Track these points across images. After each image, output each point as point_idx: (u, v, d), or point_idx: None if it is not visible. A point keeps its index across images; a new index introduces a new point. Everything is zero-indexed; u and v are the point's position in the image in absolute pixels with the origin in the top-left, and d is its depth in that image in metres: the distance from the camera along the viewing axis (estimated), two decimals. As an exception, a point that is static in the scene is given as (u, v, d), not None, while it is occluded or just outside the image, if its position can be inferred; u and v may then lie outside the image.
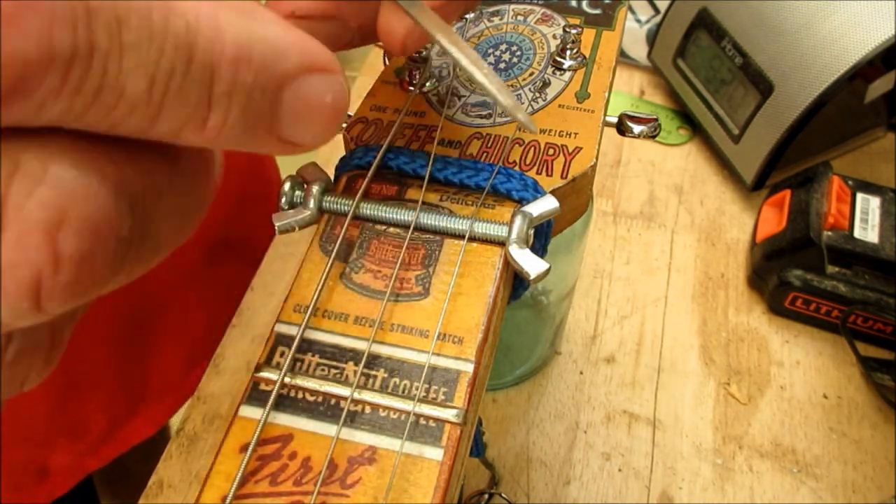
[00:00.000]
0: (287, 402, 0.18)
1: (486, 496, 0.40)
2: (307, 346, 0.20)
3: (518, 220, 0.21)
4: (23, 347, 0.14)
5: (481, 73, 0.19)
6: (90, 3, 0.11)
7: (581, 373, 0.47)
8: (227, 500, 0.17)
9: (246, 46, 0.13)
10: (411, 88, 0.27)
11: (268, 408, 0.18)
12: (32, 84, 0.11)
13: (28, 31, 0.10)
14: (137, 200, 0.13)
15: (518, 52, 0.28)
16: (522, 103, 0.26)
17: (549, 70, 0.28)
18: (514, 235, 0.21)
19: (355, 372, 0.19)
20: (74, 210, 0.12)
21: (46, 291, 0.12)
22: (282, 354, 0.19)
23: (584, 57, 0.28)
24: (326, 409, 0.18)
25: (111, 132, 0.12)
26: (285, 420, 0.18)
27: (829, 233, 0.48)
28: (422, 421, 0.18)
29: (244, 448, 0.18)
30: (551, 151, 0.24)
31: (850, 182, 0.51)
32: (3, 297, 0.12)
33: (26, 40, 0.10)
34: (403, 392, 0.19)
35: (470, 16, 0.31)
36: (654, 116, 0.26)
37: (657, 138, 0.46)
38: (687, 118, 0.62)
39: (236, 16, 0.13)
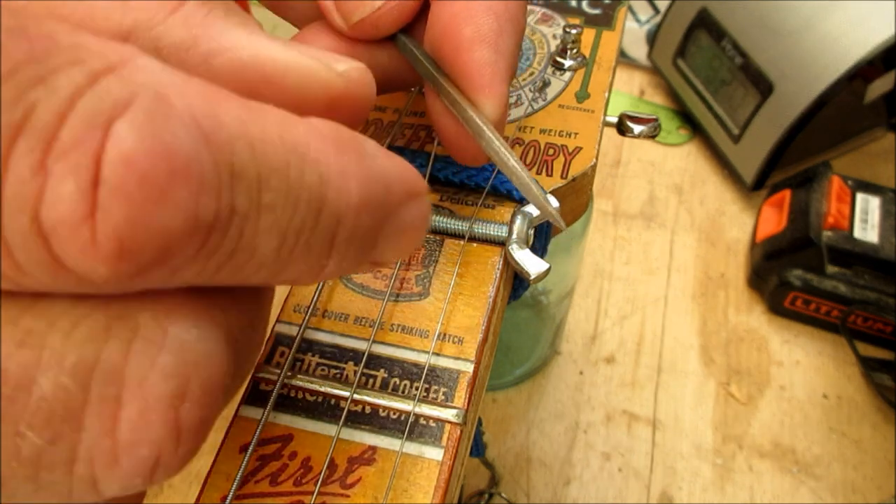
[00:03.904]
0: (287, 402, 0.18)
1: (486, 496, 0.40)
2: (307, 345, 0.20)
3: (518, 220, 0.21)
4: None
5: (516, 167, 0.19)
6: (235, 165, 0.10)
7: (581, 373, 0.47)
8: (227, 500, 0.17)
9: (367, 191, 0.12)
10: (412, 89, 0.27)
11: (268, 408, 0.18)
12: (171, 254, 0.10)
13: (177, 204, 0.09)
14: (239, 343, 0.12)
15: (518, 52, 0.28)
16: (522, 103, 0.26)
17: (549, 70, 0.28)
18: (514, 235, 0.21)
19: (355, 372, 0.19)
20: (196, 377, 0.11)
21: (164, 467, 0.11)
22: (282, 354, 0.19)
23: (584, 57, 0.28)
24: (326, 409, 0.18)
25: (235, 285, 0.12)
26: (285, 420, 0.18)
27: (829, 233, 0.48)
28: (422, 421, 0.18)
29: (244, 448, 0.18)
30: (551, 151, 0.24)
31: (850, 182, 0.51)
32: (118, 478, 0.11)
33: (175, 214, 0.09)
34: (403, 392, 0.19)
35: None
36: (654, 116, 0.26)
37: (657, 138, 0.46)
38: (687, 118, 0.62)
39: (356, 158, 0.12)
